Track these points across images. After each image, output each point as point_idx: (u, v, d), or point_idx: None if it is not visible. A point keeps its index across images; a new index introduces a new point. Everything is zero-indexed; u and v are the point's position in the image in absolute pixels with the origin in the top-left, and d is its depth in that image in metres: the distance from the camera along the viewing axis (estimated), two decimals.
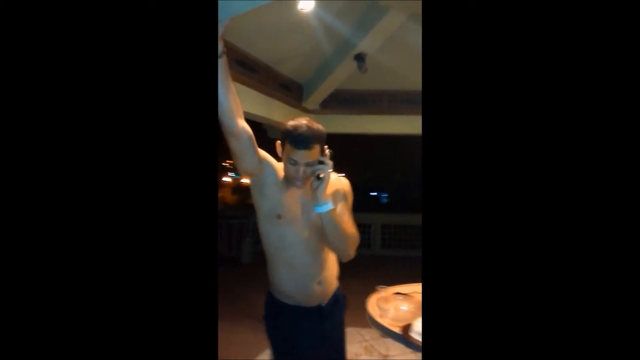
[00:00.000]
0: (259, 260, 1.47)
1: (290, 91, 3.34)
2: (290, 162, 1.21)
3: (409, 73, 2.57)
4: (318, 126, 1.23)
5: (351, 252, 1.33)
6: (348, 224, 1.31)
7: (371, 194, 19.74)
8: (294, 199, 1.29)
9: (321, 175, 1.20)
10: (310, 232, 1.31)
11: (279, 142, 1.26)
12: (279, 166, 1.29)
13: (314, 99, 3.53)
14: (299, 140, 1.18)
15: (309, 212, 1.28)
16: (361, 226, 6.00)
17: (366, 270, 2.29)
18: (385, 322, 1.64)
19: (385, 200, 18.38)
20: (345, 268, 1.48)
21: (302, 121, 1.22)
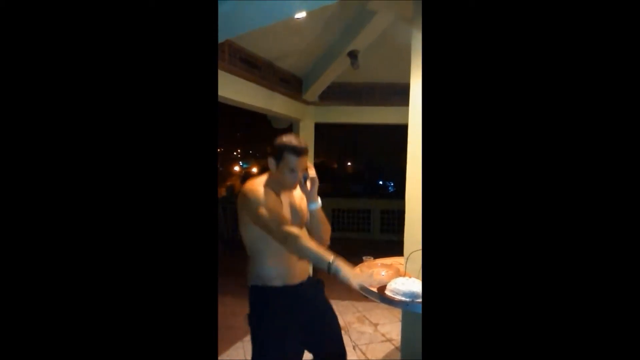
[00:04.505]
0: None
1: (291, 84, 3.59)
2: (289, 170, 1.48)
3: (397, 68, 2.81)
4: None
5: (327, 240, 1.66)
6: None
7: (379, 182, 19.90)
8: (285, 203, 1.58)
9: (311, 176, 1.52)
10: (296, 226, 1.59)
11: (271, 158, 1.50)
12: (264, 188, 1.50)
13: (313, 92, 3.76)
14: (299, 149, 1.46)
15: (294, 212, 1.60)
16: (361, 212, 6.29)
17: (365, 252, 2.61)
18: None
19: (392, 189, 18.52)
20: (348, 250, 1.79)
21: (293, 135, 1.52)
